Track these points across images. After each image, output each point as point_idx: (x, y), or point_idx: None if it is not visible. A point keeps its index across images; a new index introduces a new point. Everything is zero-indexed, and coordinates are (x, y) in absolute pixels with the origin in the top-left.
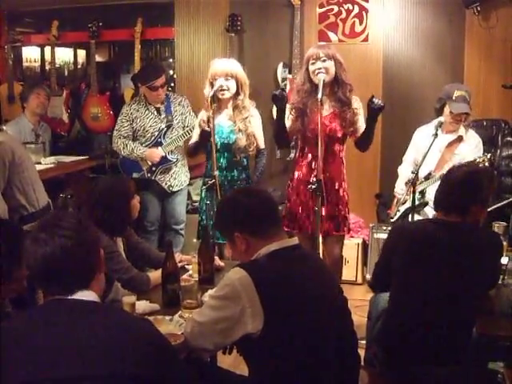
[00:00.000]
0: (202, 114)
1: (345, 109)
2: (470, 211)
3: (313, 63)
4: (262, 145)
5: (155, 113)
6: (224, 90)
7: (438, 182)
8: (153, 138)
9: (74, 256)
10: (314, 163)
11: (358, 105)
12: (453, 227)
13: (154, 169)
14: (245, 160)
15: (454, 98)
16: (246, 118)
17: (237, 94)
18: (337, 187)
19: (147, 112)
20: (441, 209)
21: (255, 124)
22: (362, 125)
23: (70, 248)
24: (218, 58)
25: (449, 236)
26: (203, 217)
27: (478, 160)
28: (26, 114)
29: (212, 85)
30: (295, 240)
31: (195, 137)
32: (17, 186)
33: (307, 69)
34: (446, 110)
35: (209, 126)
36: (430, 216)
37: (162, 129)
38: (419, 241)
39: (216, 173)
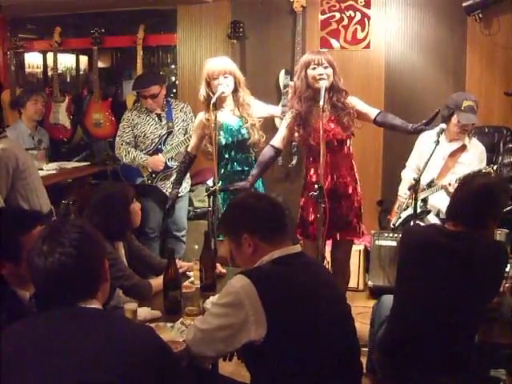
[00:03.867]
0: (200, 115)
1: (340, 113)
2: (485, 225)
3: (314, 68)
4: (277, 112)
5: (156, 119)
6: (225, 85)
7: (441, 191)
8: (153, 144)
9: (73, 274)
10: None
11: (354, 102)
12: (458, 236)
13: (154, 175)
14: (254, 154)
15: (462, 108)
16: (252, 112)
17: (236, 90)
18: (350, 191)
19: (148, 118)
20: (453, 219)
21: (259, 109)
22: (365, 107)
23: (69, 266)
24: (211, 58)
25: (453, 244)
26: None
27: (483, 171)
28: (22, 119)
29: (209, 84)
30: (298, 247)
31: (193, 141)
32: (20, 193)
33: (306, 74)
34: (454, 119)
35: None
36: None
37: (163, 135)
38: (422, 249)
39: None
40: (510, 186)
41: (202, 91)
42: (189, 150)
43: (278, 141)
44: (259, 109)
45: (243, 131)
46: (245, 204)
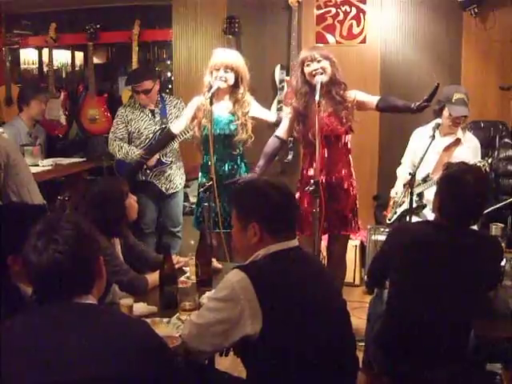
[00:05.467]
0: (198, 98)
1: (339, 107)
2: (472, 223)
3: (308, 65)
4: (272, 118)
5: (150, 115)
6: (222, 80)
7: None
8: (147, 140)
9: (67, 271)
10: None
11: (352, 95)
12: (451, 230)
13: (148, 171)
14: (239, 151)
15: (453, 100)
16: (248, 112)
17: (236, 86)
18: (346, 187)
19: (142, 114)
20: (440, 216)
21: (255, 109)
22: (365, 97)
23: (62, 263)
24: (220, 48)
25: (448, 239)
26: (200, 219)
27: (478, 164)
28: (21, 116)
29: (212, 74)
30: (295, 242)
31: (181, 122)
32: (11, 188)
33: (302, 71)
34: (445, 112)
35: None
36: (428, 218)
37: (157, 131)
38: (418, 243)
39: (213, 175)
40: (490, 181)
41: (206, 79)
42: (172, 128)
43: (282, 131)
44: (256, 109)
45: (232, 127)
46: (264, 192)
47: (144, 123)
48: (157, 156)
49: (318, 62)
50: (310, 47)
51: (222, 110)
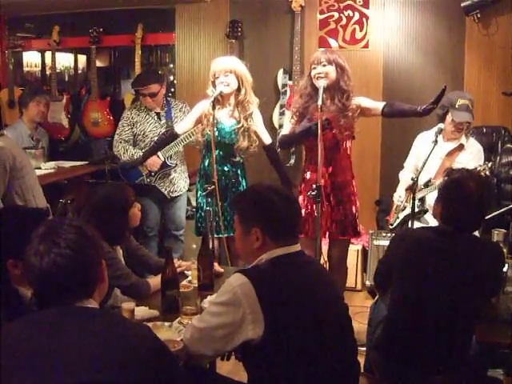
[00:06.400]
0: (203, 104)
1: (339, 115)
2: (474, 229)
3: (314, 68)
4: (267, 140)
5: (155, 118)
6: (224, 85)
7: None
8: (152, 142)
9: (68, 275)
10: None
11: (357, 103)
12: (454, 236)
13: (153, 174)
14: (240, 158)
15: (456, 106)
16: (251, 114)
17: (238, 89)
18: (346, 191)
19: (147, 117)
20: (453, 224)
21: (256, 121)
22: (370, 103)
23: (64, 267)
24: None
25: (450, 245)
26: (203, 224)
27: (478, 168)
28: (23, 119)
29: (214, 84)
30: (297, 246)
31: (186, 123)
32: (16, 191)
33: (310, 73)
34: (449, 117)
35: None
36: (430, 223)
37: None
38: (420, 248)
39: (216, 179)
40: (492, 186)
41: (209, 91)
42: (176, 128)
43: (287, 130)
44: (257, 122)
45: (233, 136)
46: (266, 197)
47: (149, 126)
48: (162, 159)
49: (323, 66)
50: (321, 50)
51: (226, 117)
